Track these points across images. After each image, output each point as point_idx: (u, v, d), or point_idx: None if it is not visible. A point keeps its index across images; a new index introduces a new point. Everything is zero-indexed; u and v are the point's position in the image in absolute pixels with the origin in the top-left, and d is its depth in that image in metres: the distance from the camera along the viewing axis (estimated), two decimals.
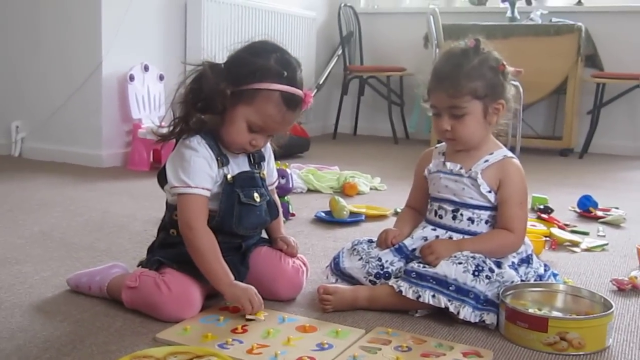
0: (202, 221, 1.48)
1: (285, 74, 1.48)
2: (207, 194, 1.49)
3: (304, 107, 1.52)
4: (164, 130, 1.55)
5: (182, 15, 4.00)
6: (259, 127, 1.50)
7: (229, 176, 1.52)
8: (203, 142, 1.50)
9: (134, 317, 1.47)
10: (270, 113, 1.48)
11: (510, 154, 1.67)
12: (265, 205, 1.60)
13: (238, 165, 1.56)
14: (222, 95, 1.46)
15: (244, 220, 1.55)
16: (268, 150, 1.65)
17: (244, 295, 1.45)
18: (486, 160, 1.63)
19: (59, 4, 3.59)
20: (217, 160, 1.51)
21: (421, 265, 1.54)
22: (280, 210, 1.70)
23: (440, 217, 1.66)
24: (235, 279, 1.49)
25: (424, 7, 5.21)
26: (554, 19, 4.72)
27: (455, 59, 1.60)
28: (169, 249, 1.54)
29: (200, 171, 1.48)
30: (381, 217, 2.58)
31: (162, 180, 1.56)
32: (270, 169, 1.67)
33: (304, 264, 1.67)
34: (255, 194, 1.57)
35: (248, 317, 1.46)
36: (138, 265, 1.59)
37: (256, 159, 1.61)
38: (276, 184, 1.72)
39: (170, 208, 1.56)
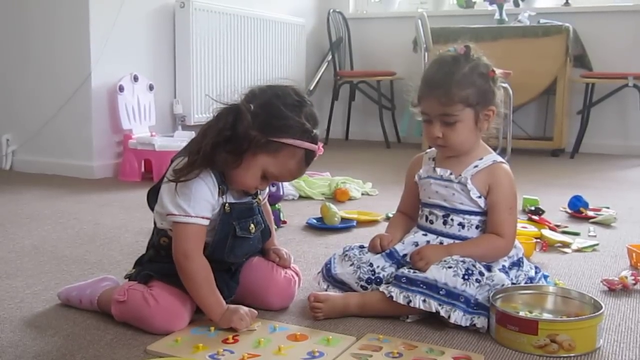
0: (199, 251, 1.46)
1: (314, 132, 1.47)
2: (207, 222, 1.46)
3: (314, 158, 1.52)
4: (180, 166, 1.45)
5: (170, 25, 4.01)
6: (274, 177, 1.49)
7: (226, 205, 1.50)
8: (207, 169, 1.46)
9: (125, 329, 1.47)
10: (290, 168, 1.48)
11: (499, 158, 1.67)
12: (259, 233, 1.59)
13: (234, 195, 1.53)
14: (251, 140, 1.42)
15: (236, 250, 1.53)
16: None
17: (235, 318, 1.44)
18: (476, 166, 1.64)
19: (47, 15, 3.59)
20: (218, 188, 1.48)
21: (411, 270, 1.54)
22: (273, 224, 1.70)
23: (431, 222, 1.67)
24: (225, 294, 1.50)
25: (412, 11, 5.23)
26: (542, 20, 4.75)
27: (447, 67, 1.60)
28: (158, 264, 1.54)
29: (202, 200, 1.45)
30: (373, 222, 2.58)
31: (153, 200, 1.54)
32: None
33: (296, 274, 1.67)
34: (251, 225, 1.55)
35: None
36: (125, 278, 1.59)
37: None
38: (267, 194, 1.72)
39: (160, 232, 1.53)
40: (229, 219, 1.50)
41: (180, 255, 1.44)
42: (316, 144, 1.48)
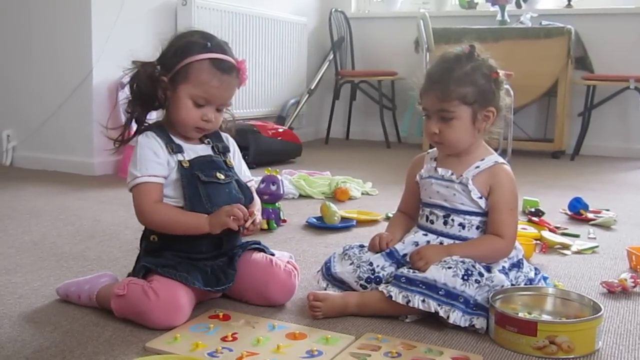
0: (152, 202, 1.53)
1: (209, 44, 1.55)
2: (157, 180, 1.54)
3: (241, 73, 1.58)
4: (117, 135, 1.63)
5: (172, 22, 4.00)
6: (203, 99, 1.55)
7: (184, 162, 1.56)
8: (151, 134, 1.57)
9: (124, 326, 1.47)
10: (206, 80, 1.53)
11: (501, 159, 1.67)
12: (236, 184, 1.62)
13: (196, 152, 1.60)
14: (160, 84, 1.53)
15: (214, 198, 1.55)
16: (232, 144, 1.70)
17: (223, 217, 1.49)
18: (477, 166, 1.64)
19: (49, 12, 3.59)
20: (166, 147, 1.56)
21: (411, 270, 1.54)
22: (255, 193, 1.70)
23: (432, 222, 1.67)
24: (223, 281, 1.52)
25: (414, 11, 5.22)
26: (544, 22, 4.74)
27: (448, 64, 1.62)
28: (154, 254, 1.55)
29: (146, 160, 1.54)
30: (373, 222, 2.58)
31: None
32: (240, 166, 1.69)
33: (295, 268, 1.67)
34: (218, 173, 1.59)
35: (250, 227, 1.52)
36: (128, 275, 1.59)
37: (220, 149, 1.65)
38: (253, 184, 1.73)
39: None
40: (191, 171, 1.56)
41: (138, 214, 1.55)
42: (215, 52, 1.55)
